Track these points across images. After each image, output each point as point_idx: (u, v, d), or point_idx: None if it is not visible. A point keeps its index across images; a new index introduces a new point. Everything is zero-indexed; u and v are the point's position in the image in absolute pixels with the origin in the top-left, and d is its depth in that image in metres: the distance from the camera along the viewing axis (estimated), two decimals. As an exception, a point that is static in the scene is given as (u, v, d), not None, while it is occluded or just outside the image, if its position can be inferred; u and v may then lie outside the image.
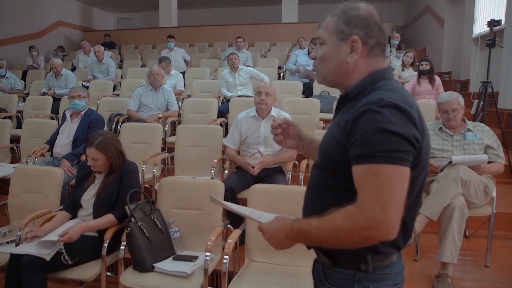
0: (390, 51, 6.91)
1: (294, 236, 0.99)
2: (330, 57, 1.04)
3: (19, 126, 5.01)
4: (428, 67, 4.78)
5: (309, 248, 1.13)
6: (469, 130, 2.76)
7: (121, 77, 6.86)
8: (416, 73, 5.11)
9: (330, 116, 4.43)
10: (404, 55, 5.91)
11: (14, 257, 2.10)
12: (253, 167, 2.91)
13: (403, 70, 5.76)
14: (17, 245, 2.27)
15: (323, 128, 4.15)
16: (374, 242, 0.89)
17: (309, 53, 5.75)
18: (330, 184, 1.02)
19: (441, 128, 2.81)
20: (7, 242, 2.46)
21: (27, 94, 6.36)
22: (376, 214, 0.85)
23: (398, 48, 7.00)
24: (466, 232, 3.09)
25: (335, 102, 4.34)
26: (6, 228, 2.66)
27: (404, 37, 9.74)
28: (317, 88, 5.14)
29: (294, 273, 2.09)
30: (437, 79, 4.88)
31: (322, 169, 1.05)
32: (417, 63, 5.14)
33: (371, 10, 1.03)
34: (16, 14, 9.14)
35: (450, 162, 2.61)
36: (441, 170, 2.65)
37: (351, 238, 0.89)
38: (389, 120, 0.87)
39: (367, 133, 0.88)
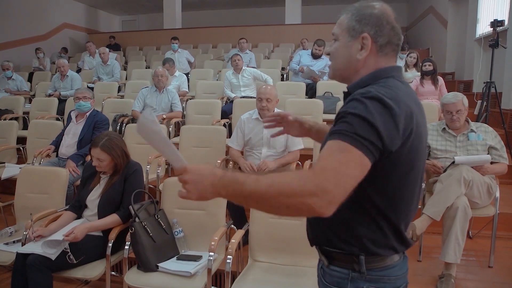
0: (393, 52, 6.89)
1: (222, 185, 0.91)
2: (341, 53, 1.06)
3: (25, 127, 5.05)
4: (431, 68, 4.78)
5: (311, 245, 1.12)
6: (472, 131, 2.75)
7: (126, 79, 6.90)
8: (419, 73, 5.10)
9: (333, 116, 4.42)
10: (407, 55, 5.90)
11: (20, 256, 2.13)
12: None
13: (406, 70, 5.75)
14: (23, 244, 2.30)
15: (327, 129, 4.15)
16: (308, 212, 0.84)
17: (312, 54, 5.77)
18: None
19: (444, 128, 2.81)
20: (14, 242, 2.49)
21: (33, 95, 6.42)
22: (327, 185, 0.83)
23: (401, 49, 6.96)
24: (470, 232, 3.09)
25: (339, 103, 4.34)
26: (13, 228, 2.70)
27: (407, 38, 9.73)
28: (320, 89, 5.15)
29: (297, 273, 2.11)
30: (440, 79, 4.88)
31: None
32: (420, 64, 5.13)
33: (385, 9, 1.04)
34: (22, 17, 9.22)
35: (453, 162, 2.61)
36: (444, 171, 2.65)
37: (290, 199, 0.84)
38: (369, 111, 0.88)
39: (347, 115, 0.90)
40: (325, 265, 1.08)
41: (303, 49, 7.25)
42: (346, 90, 1.06)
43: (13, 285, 2.12)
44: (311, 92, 5.41)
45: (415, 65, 5.70)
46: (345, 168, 0.85)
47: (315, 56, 5.71)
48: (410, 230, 2.36)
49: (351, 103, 0.92)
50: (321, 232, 1.05)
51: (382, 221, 0.98)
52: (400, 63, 6.38)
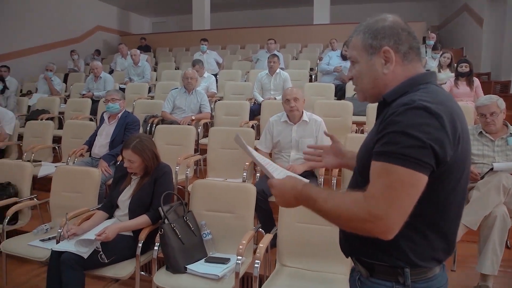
0: (426, 52, 6.69)
1: (302, 199, 1.02)
2: (366, 73, 1.04)
3: (60, 127, 5.23)
4: (467, 69, 4.61)
5: (346, 256, 1.12)
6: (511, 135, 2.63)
7: (156, 79, 7.03)
8: (453, 74, 4.93)
9: (363, 119, 4.35)
10: (440, 55, 5.71)
11: (55, 254, 2.20)
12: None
13: (439, 71, 5.56)
14: (57, 242, 2.38)
15: (356, 132, 4.08)
16: (370, 235, 0.89)
17: (342, 55, 5.69)
18: None
19: (481, 132, 2.70)
20: (49, 238, 2.59)
21: (68, 96, 6.65)
22: (379, 211, 0.86)
23: (434, 48, 6.74)
24: (508, 242, 2.94)
25: (369, 105, 4.26)
26: (48, 225, 2.80)
27: (440, 37, 9.41)
28: (350, 90, 5.05)
29: (326, 279, 2.07)
30: (476, 81, 4.69)
31: (360, 175, 1.05)
32: (454, 64, 4.95)
33: (395, 18, 1.03)
34: (59, 21, 9.58)
35: (492, 169, 2.50)
36: (482, 177, 2.54)
37: (350, 223, 0.92)
38: (414, 124, 0.86)
39: (391, 133, 0.88)
40: (364, 277, 1.05)
41: (332, 49, 7.15)
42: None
43: (48, 281, 2.19)
44: (340, 93, 5.33)
45: (449, 66, 5.50)
46: (393, 191, 0.86)
47: (344, 57, 5.62)
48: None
49: (395, 117, 0.89)
50: (359, 244, 1.02)
51: (432, 232, 0.97)
52: (433, 63, 6.19)
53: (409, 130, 0.86)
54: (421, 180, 0.87)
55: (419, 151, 0.85)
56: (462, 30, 8.87)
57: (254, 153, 1.22)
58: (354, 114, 4.23)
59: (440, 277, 1.02)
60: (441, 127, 0.87)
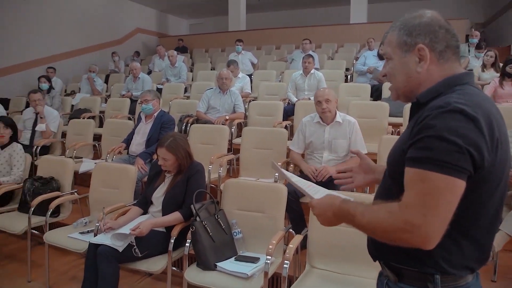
0: (469, 51, 6.38)
1: (340, 216, 1.02)
2: (399, 71, 1.02)
3: (101, 125, 5.44)
4: (516, 69, 4.36)
5: (374, 260, 1.10)
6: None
7: (192, 80, 7.16)
8: (497, 74, 4.68)
9: (400, 120, 4.23)
10: (484, 54, 5.43)
11: (92, 246, 2.29)
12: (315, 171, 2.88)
13: (483, 71, 5.29)
14: (95, 235, 2.48)
15: (392, 133, 3.96)
16: (408, 245, 0.87)
17: (378, 55, 5.56)
18: (399, 194, 0.97)
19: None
20: (87, 231, 2.71)
21: (109, 96, 6.93)
22: (415, 220, 0.83)
23: (478, 47, 6.41)
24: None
25: (406, 106, 4.12)
26: (87, 218, 2.93)
27: (485, 35, 8.96)
28: (387, 90, 4.92)
29: (356, 283, 2.03)
30: (524, 81, 4.43)
31: (391, 178, 1.02)
32: (500, 64, 4.70)
33: (433, 14, 0.99)
34: (101, 24, 10.01)
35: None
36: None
37: (387, 234, 0.90)
38: (450, 128, 0.83)
39: (425, 137, 0.85)
40: (392, 281, 1.03)
41: (369, 49, 7.00)
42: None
43: (86, 272, 2.29)
44: (376, 94, 5.22)
45: (494, 65, 5.23)
46: (430, 198, 0.83)
47: (381, 57, 5.49)
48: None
49: (430, 120, 0.86)
50: (387, 248, 0.99)
51: (466, 240, 0.93)
52: (476, 62, 5.91)
53: (445, 134, 0.82)
54: (459, 185, 0.83)
55: (456, 156, 0.82)
56: (509, 27, 8.42)
57: (293, 176, 1.22)
58: (390, 115, 4.12)
59: (473, 286, 0.98)
60: (478, 130, 0.83)
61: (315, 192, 1.17)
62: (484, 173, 0.86)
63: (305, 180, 1.24)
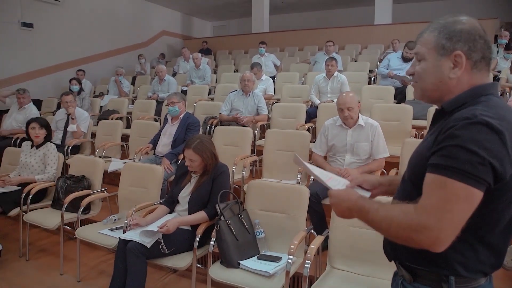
0: (497, 52, 6.22)
1: (355, 210, 1.05)
2: (431, 73, 1.02)
3: (128, 126, 5.61)
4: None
5: (390, 260, 1.13)
6: None
7: (216, 82, 7.27)
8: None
9: (423, 123, 4.18)
10: (513, 56, 5.30)
11: (122, 242, 2.41)
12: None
13: (511, 73, 5.17)
14: (124, 231, 2.59)
15: (415, 137, 3.94)
16: (417, 246, 0.89)
17: (403, 57, 5.50)
18: (417, 197, 0.99)
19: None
20: (116, 228, 2.83)
21: (135, 97, 7.12)
22: (429, 223, 0.86)
23: (507, 48, 6.24)
24: None
25: (430, 109, 4.05)
26: (116, 216, 3.05)
27: (513, 36, 8.68)
28: (411, 93, 4.88)
29: (376, 285, 2.05)
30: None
31: (411, 182, 1.05)
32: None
33: (474, 23, 0.99)
34: (128, 27, 10.28)
35: None
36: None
37: (400, 233, 0.92)
38: (475, 139, 0.85)
39: (450, 146, 0.88)
40: (407, 281, 1.06)
41: (394, 50, 6.93)
42: (438, 107, 1.03)
43: (116, 266, 2.41)
44: (400, 96, 5.16)
45: (523, 67, 5.10)
46: (447, 204, 0.86)
47: (406, 59, 5.43)
48: (509, 257, 2.15)
49: (455, 131, 0.88)
50: (404, 249, 1.02)
51: (481, 246, 0.95)
52: (505, 64, 5.77)
53: (469, 145, 0.85)
54: (476, 195, 0.86)
55: (478, 167, 0.84)
56: (541, 28, 8.13)
57: (315, 169, 1.26)
58: (414, 118, 4.08)
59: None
60: (502, 144, 0.85)
61: (335, 184, 1.21)
62: (503, 185, 0.88)
63: (327, 172, 1.28)
